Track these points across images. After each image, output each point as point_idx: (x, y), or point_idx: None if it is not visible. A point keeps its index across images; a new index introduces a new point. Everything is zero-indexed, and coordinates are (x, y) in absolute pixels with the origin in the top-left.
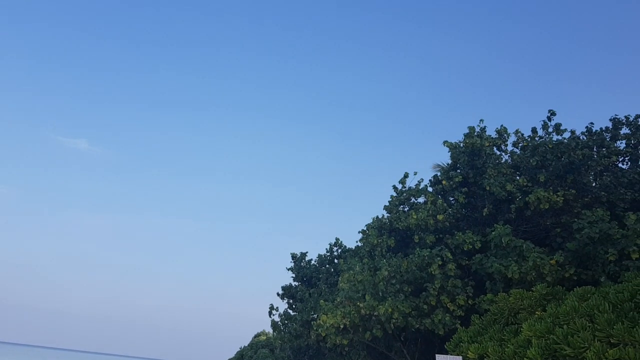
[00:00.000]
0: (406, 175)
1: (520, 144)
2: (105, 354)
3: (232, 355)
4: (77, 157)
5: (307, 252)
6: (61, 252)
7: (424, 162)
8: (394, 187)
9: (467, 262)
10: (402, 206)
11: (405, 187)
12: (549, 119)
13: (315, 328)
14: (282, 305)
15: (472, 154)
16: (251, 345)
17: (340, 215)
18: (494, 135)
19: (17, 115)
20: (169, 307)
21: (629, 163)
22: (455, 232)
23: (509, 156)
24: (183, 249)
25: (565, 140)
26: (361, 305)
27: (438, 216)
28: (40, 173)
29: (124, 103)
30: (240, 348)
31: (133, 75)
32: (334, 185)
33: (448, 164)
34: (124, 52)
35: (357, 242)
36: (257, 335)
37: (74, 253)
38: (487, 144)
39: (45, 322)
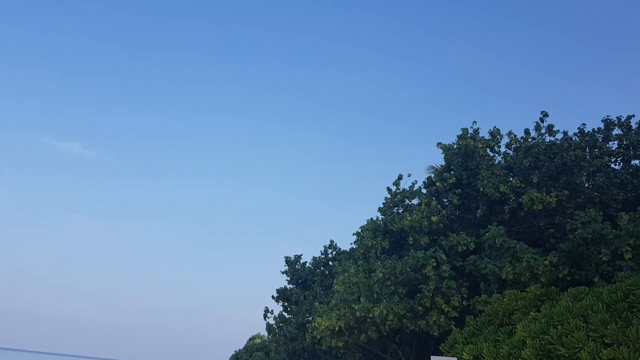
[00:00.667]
0: (400, 177)
1: (513, 145)
2: (101, 358)
3: (227, 358)
4: (70, 161)
5: (301, 255)
6: (56, 256)
7: (418, 163)
8: (388, 189)
9: (461, 263)
10: (396, 208)
11: (399, 189)
12: (542, 120)
13: (310, 330)
14: (277, 308)
15: (465, 156)
16: (246, 348)
17: (335, 218)
18: (487, 136)
19: (9, 119)
20: (164, 310)
21: (621, 164)
22: (449, 234)
23: (502, 157)
24: (178, 252)
25: (557, 142)
26: (356, 307)
27: (432, 218)
28: (33, 177)
29: (118, 107)
30: (235, 351)
31: (127, 79)
32: (327, 187)
33: (442, 166)
34: (118, 56)
35: (351, 244)
36: (252, 338)
37: (68, 257)
38: (481, 146)
39: (40, 327)
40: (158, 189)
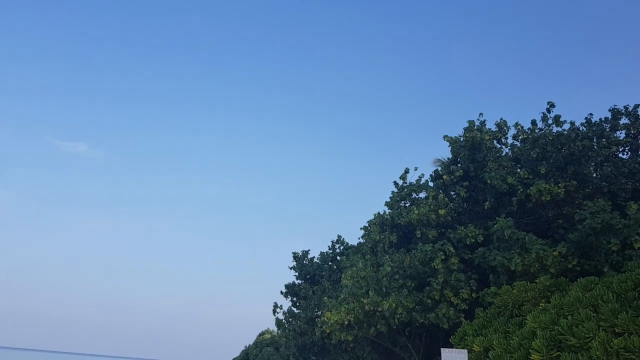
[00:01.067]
0: (407, 171)
1: (520, 137)
2: (109, 356)
3: (237, 354)
4: (76, 161)
5: (309, 250)
6: (62, 255)
7: (424, 157)
8: (395, 183)
9: (469, 255)
10: (403, 202)
11: (406, 183)
12: (548, 110)
13: (319, 325)
14: (286, 304)
15: (472, 148)
16: (256, 343)
17: (342, 213)
18: (493, 128)
19: (15, 119)
20: (173, 308)
21: (629, 153)
22: (458, 226)
23: (509, 149)
24: (185, 250)
25: (565, 132)
26: (365, 301)
27: (440, 211)
28: (39, 177)
29: (122, 105)
30: (245, 347)
31: (131, 77)
32: (334, 183)
33: (448, 159)
34: (123, 55)
35: (359, 238)
36: (262, 334)
37: (74, 256)
38: (487, 138)
39: (46, 325)
40: (164, 187)
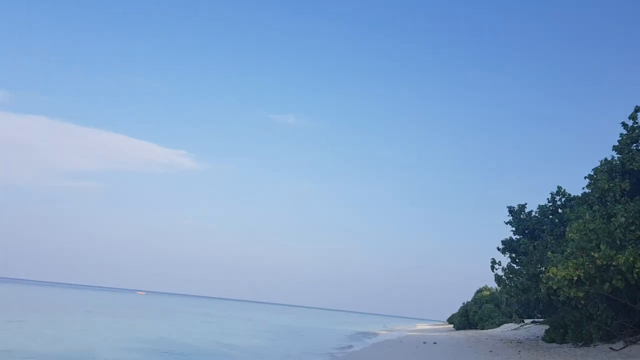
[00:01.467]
0: (637, 110)
1: None
2: (335, 310)
3: (456, 310)
4: (286, 131)
5: (525, 204)
6: (281, 214)
7: None
8: (624, 124)
9: None
10: (634, 145)
11: (637, 123)
12: None
13: (544, 281)
14: (504, 260)
15: None
16: (474, 300)
17: (557, 163)
18: None
19: (234, 97)
20: (390, 266)
21: None
22: None
23: None
24: (391, 209)
25: None
26: (596, 255)
27: None
28: (259, 147)
29: (324, 79)
30: (463, 303)
31: (333, 52)
32: (548, 131)
33: None
34: (319, 28)
35: (583, 188)
36: (480, 291)
37: (290, 214)
38: None
39: (268, 279)
40: (367, 151)
